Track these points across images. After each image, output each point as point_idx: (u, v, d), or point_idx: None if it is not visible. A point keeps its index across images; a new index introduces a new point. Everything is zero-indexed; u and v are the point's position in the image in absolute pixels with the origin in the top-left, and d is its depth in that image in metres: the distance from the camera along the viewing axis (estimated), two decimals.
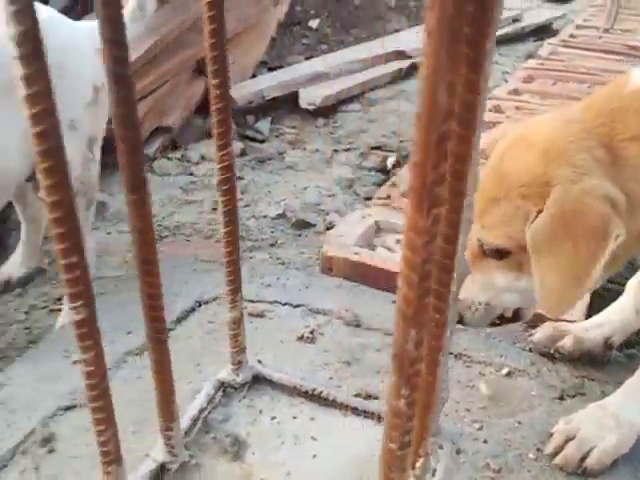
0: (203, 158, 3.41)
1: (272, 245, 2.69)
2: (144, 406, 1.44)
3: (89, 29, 1.95)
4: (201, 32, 1.18)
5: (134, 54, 3.28)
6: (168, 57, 3.46)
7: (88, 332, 0.91)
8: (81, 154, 2.01)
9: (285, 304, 1.74)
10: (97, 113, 2.11)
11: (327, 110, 3.86)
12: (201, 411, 1.36)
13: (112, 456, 1.03)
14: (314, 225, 2.86)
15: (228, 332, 1.39)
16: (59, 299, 2.39)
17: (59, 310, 2.30)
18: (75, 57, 1.96)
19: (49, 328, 2.25)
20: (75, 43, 1.98)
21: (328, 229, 2.73)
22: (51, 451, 1.29)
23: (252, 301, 1.76)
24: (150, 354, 1.13)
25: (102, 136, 2.19)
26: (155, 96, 3.32)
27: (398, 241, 2.23)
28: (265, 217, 2.92)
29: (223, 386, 1.43)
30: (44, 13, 1.89)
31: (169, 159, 3.32)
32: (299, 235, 2.87)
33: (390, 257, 2.05)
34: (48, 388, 1.43)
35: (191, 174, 3.26)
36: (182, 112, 3.51)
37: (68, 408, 1.39)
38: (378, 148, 3.54)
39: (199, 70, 3.69)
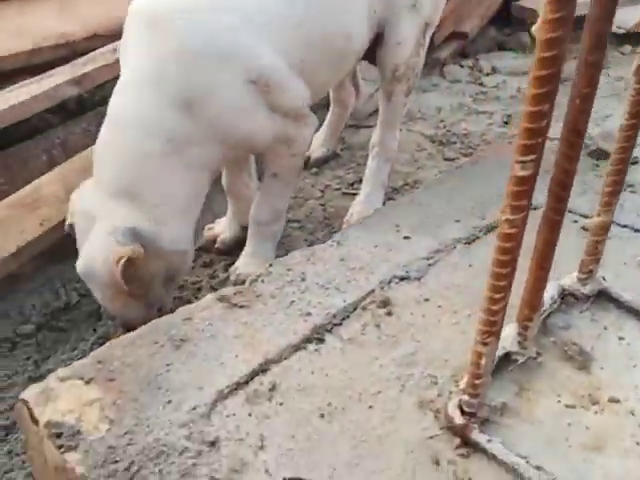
0: (494, 70, 3.23)
1: None
2: (466, 292, 1.40)
3: None
4: None
5: None
6: None
7: (525, 191, 0.85)
8: (415, 37, 1.96)
9: (624, 226, 1.58)
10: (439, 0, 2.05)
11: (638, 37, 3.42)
12: (541, 313, 1.28)
13: (495, 328, 0.99)
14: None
15: (589, 237, 1.27)
16: (352, 184, 2.46)
17: (352, 194, 2.36)
18: None
19: (342, 209, 2.32)
20: None
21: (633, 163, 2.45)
22: (389, 314, 1.31)
23: (585, 216, 1.61)
24: (542, 234, 1.05)
25: (435, 25, 2.13)
26: (457, 1, 3.17)
27: None
28: None
29: (565, 293, 1.33)
30: None
31: (461, 66, 3.19)
32: (597, 166, 2.62)
33: None
34: (383, 256, 1.45)
35: (481, 84, 3.11)
36: (480, 20, 3.33)
37: (403, 278, 1.40)
38: None
39: None
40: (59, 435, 0.99)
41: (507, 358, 1.19)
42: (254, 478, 0.97)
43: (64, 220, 2.03)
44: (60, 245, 2.12)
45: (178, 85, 1.50)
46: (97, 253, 1.54)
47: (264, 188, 1.85)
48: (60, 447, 0.98)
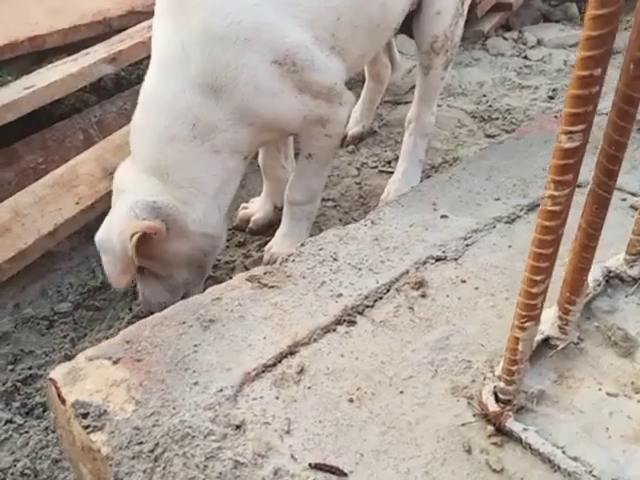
0: (539, 43, 3.10)
1: None
2: (504, 274, 1.35)
3: None
4: None
5: None
6: None
7: (572, 165, 0.79)
8: (454, 6, 1.89)
9: None
10: None
11: None
12: (585, 296, 1.22)
13: (534, 312, 0.94)
14: None
15: (638, 216, 1.20)
16: (389, 162, 2.40)
17: (389, 172, 2.30)
18: None
19: (378, 187, 2.27)
20: None
21: None
22: (423, 295, 1.27)
23: (634, 194, 1.53)
24: (588, 212, 0.99)
25: None
26: None
27: None
28: None
29: (610, 275, 1.26)
30: None
31: (504, 39, 3.08)
32: None
33: None
34: (418, 235, 1.40)
35: (526, 57, 3.00)
36: None
37: (438, 259, 1.35)
38: None
39: None
40: (85, 415, 0.99)
41: (546, 343, 1.13)
42: (279, 463, 0.94)
43: (100, 199, 2.05)
44: (96, 224, 2.13)
45: (203, 69, 1.47)
46: (115, 224, 1.53)
47: (299, 168, 1.81)
48: (86, 427, 0.98)
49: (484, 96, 2.72)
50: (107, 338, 1.83)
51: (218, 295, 1.24)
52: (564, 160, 0.79)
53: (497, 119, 2.58)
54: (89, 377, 1.05)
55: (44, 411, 1.63)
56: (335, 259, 1.34)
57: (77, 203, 2.02)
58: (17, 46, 2.38)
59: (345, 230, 1.44)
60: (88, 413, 0.99)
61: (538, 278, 0.90)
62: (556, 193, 0.82)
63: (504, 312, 1.23)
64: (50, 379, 1.06)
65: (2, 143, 2.20)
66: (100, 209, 2.08)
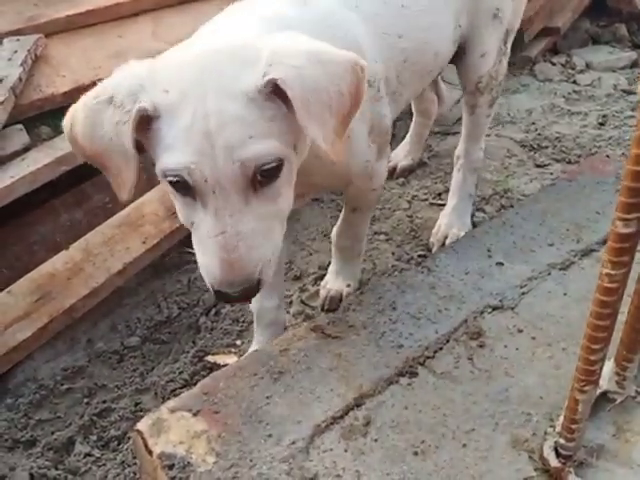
0: (588, 66, 3.10)
1: None
2: (560, 323, 1.39)
3: None
4: None
5: None
6: None
7: (629, 248, 0.84)
8: (498, 46, 1.92)
9: None
10: (519, 5, 1.99)
11: None
12: None
13: (593, 377, 0.98)
14: None
15: None
16: (439, 194, 2.45)
17: (440, 205, 2.35)
18: None
19: (429, 220, 2.32)
20: None
21: None
22: (482, 346, 1.32)
23: None
24: None
25: (516, 30, 2.06)
26: None
27: None
28: None
29: None
30: None
31: (552, 64, 3.09)
32: None
33: None
34: (474, 284, 1.46)
35: (574, 82, 3.00)
36: (572, 13, 3.20)
37: (495, 308, 1.40)
38: None
39: None
40: (171, 467, 1.08)
41: (605, 397, 1.17)
42: None
43: (164, 237, 2.16)
44: (161, 261, 2.25)
45: None
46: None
47: (345, 219, 1.80)
48: (173, 478, 1.06)
49: (533, 124, 2.74)
50: (173, 372, 1.96)
51: (285, 346, 1.32)
52: (620, 244, 0.84)
53: (547, 147, 2.60)
54: (172, 429, 1.14)
55: (119, 444, 1.74)
56: (394, 308, 1.41)
57: (144, 242, 2.13)
58: (83, 89, 2.52)
59: (402, 277, 1.51)
60: (173, 465, 1.08)
61: (597, 347, 0.95)
62: (613, 272, 0.87)
63: (561, 363, 1.27)
64: (137, 430, 1.15)
65: (72, 184, 2.34)
66: (165, 247, 2.19)
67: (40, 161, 2.23)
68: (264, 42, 1.13)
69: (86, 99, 1.17)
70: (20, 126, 2.41)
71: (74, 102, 1.22)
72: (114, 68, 2.76)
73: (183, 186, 1.11)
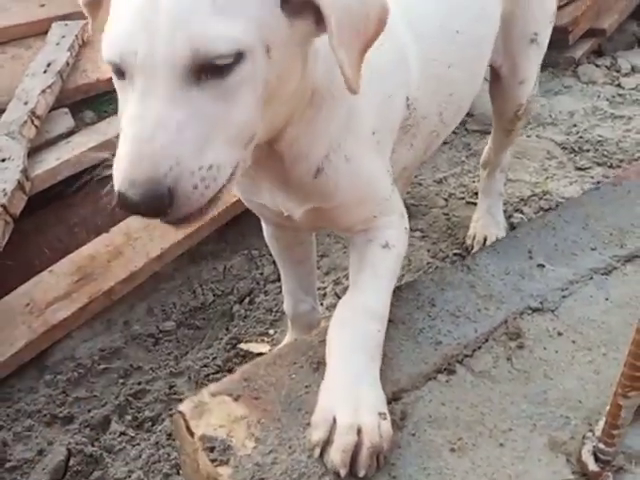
0: (633, 70, 3.05)
1: None
2: (601, 328, 1.38)
3: None
4: None
5: None
6: None
7: None
8: (536, 71, 1.86)
9: None
10: (550, 29, 1.94)
11: None
12: None
13: (638, 384, 0.98)
14: None
15: None
16: (476, 193, 2.44)
17: (476, 204, 2.35)
18: None
19: (466, 218, 2.32)
20: None
21: None
22: (521, 347, 1.32)
23: None
24: None
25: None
26: None
27: None
28: None
29: None
30: None
31: (597, 66, 3.05)
32: None
33: None
34: (514, 284, 1.45)
35: (619, 85, 2.96)
36: (619, 15, 3.15)
37: (535, 310, 1.39)
38: None
39: None
40: (212, 449, 1.10)
41: None
42: None
43: (201, 227, 2.19)
44: (197, 248, 2.28)
45: None
46: None
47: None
48: (213, 461, 1.09)
49: (575, 126, 2.71)
50: (207, 357, 1.99)
51: (324, 337, 1.33)
52: None
53: (588, 151, 2.57)
54: (213, 412, 1.16)
55: (152, 425, 1.78)
56: (433, 305, 1.41)
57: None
58: None
59: (441, 275, 1.51)
60: (214, 447, 1.10)
61: None
62: None
63: (601, 368, 1.27)
64: (179, 412, 1.18)
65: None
66: (202, 235, 2.23)
67: (84, 145, 2.28)
68: None
69: None
70: (66, 110, 2.46)
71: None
72: None
73: (118, 69, 0.91)
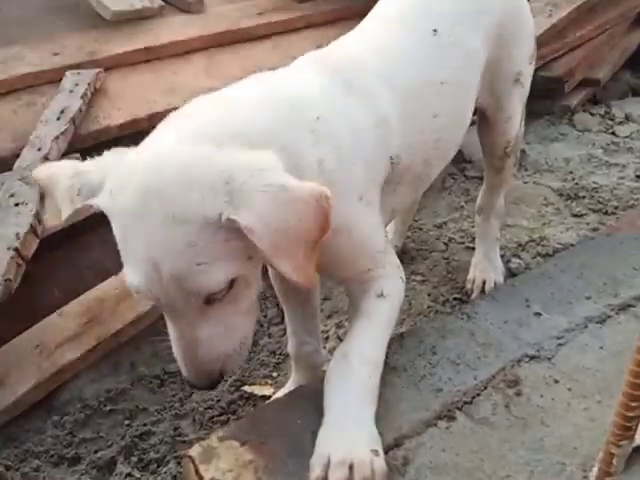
0: (627, 118, 3.15)
1: None
2: (596, 376, 1.42)
3: None
4: None
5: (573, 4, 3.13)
6: (608, 6, 3.23)
7: None
8: (520, 108, 1.93)
9: None
10: (532, 68, 2.00)
11: None
12: None
13: (629, 433, 1.02)
14: None
15: None
16: (474, 238, 2.50)
17: (473, 248, 2.40)
18: (525, 7, 1.85)
19: (465, 263, 2.38)
20: None
21: None
22: (518, 394, 1.36)
23: None
24: None
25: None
26: (589, 46, 3.14)
27: None
28: None
29: None
30: None
31: (591, 114, 3.15)
32: None
33: None
34: (512, 333, 1.50)
35: (613, 133, 3.05)
36: (613, 66, 3.26)
37: (532, 358, 1.44)
38: None
39: (639, 21, 3.37)
40: None
41: (639, 450, 1.21)
42: None
43: None
44: None
45: None
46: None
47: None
48: None
49: (571, 173, 2.79)
50: (211, 399, 2.02)
51: None
52: None
53: (584, 198, 2.64)
54: (222, 457, 1.21)
55: (158, 466, 1.80)
56: (434, 353, 1.46)
57: None
58: (138, 123, 2.65)
59: (443, 322, 1.56)
60: None
61: (634, 404, 0.99)
62: None
63: (596, 415, 1.31)
64: (189, 456, 1.22)
65: None
66: None
67: None
68: (222, 162, 1.06)
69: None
70: (77, 155, 2.53)
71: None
72: (168, 103, 2.87)
73: None
